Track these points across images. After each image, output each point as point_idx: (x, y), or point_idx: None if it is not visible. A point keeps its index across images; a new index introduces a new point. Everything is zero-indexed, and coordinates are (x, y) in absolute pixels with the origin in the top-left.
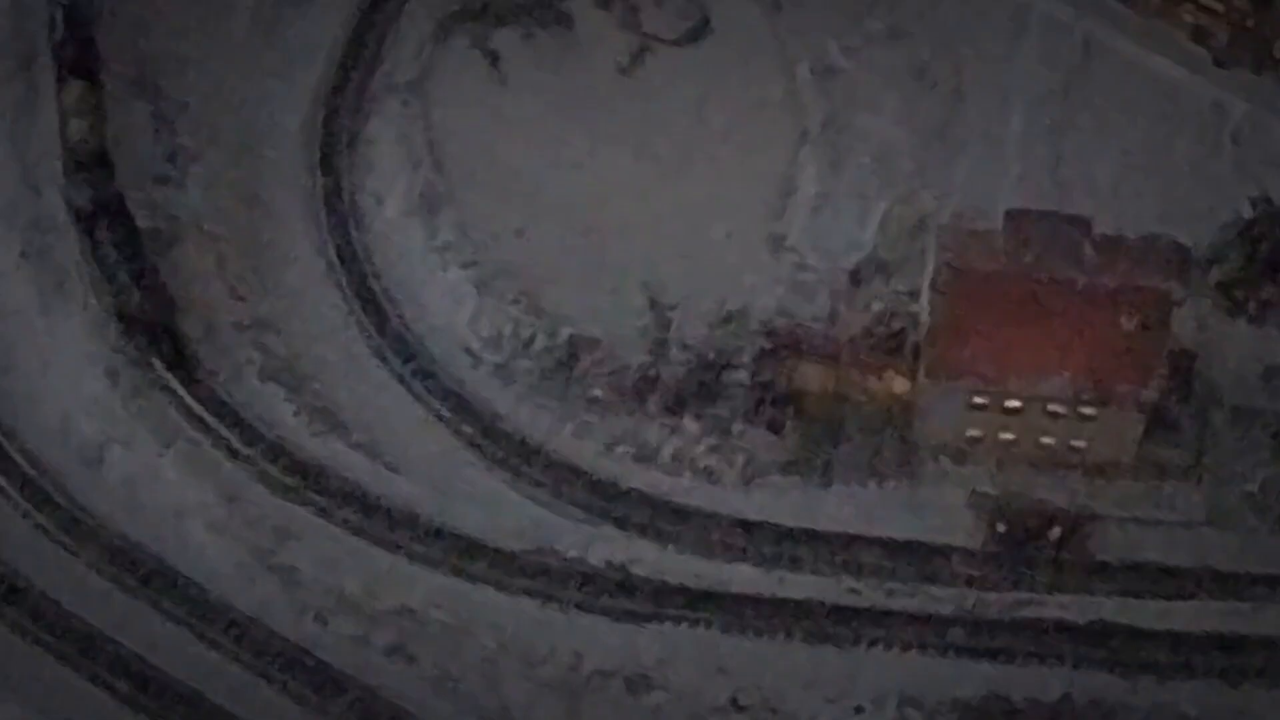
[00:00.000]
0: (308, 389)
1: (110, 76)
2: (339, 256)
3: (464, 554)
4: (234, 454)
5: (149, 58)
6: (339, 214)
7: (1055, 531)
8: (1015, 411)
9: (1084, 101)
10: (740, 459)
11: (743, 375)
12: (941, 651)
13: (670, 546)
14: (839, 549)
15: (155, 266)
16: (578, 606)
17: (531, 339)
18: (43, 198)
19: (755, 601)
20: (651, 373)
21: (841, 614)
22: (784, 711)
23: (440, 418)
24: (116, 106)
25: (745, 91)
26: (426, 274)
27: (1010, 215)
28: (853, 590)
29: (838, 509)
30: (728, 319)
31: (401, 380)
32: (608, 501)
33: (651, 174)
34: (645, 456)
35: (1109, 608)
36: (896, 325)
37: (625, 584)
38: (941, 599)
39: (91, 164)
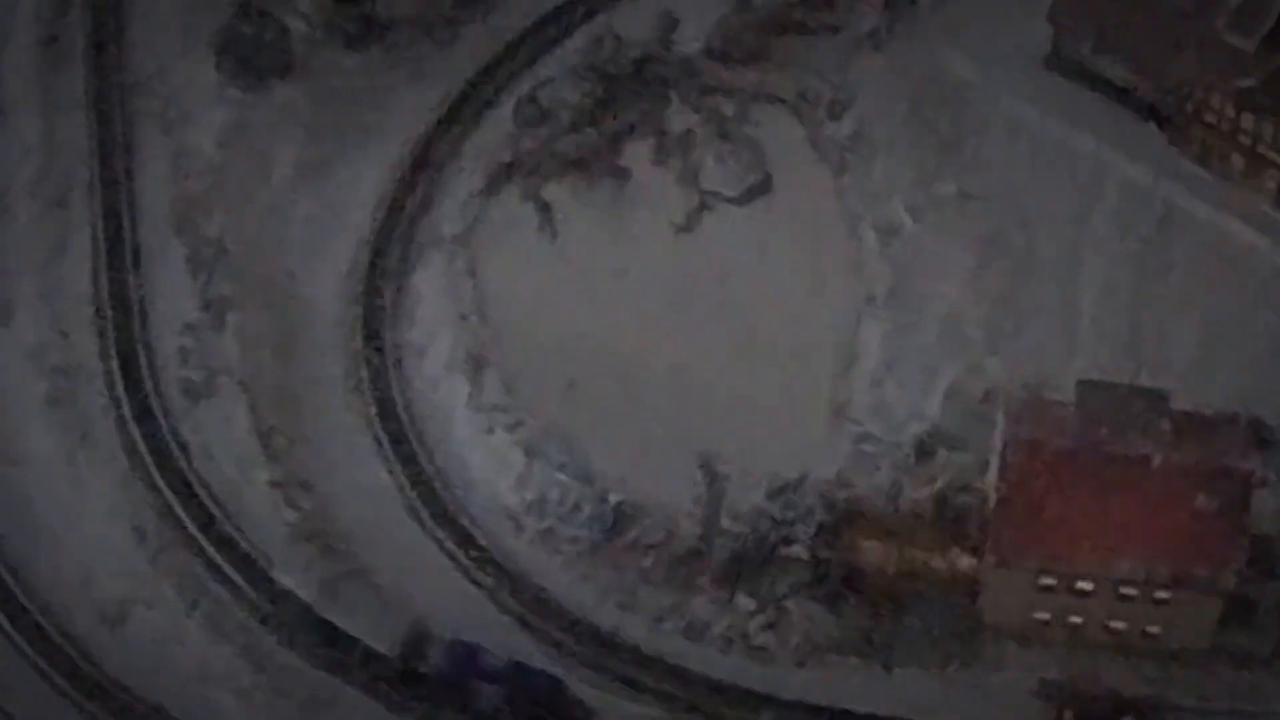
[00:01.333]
0: (341, 551)
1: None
2: (378, 413)
3: None
4: (264, 618)
5: (187, 200)
6: (379, 369)
7: None
8: (1086, 594)
9: (1162, 269)
10: (795, 638)
11: (799, 549)
12: None
13: None
14: None
15: None
16: None
17: (578, 505)
18: (71, 343)
19: None
20: (703, 544)
21: None
22: None
23: (479, 585)
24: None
25: (807, 253)
26: (470, 434)
27: (1083, 387)
28: None
29: (898, 693)
30: (784, 489)
31: (440, 545)
32: (654, 679)
33: (706, 336)
34: (695, 633)
35: None
36: (962, 500)
37: None
38: None
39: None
